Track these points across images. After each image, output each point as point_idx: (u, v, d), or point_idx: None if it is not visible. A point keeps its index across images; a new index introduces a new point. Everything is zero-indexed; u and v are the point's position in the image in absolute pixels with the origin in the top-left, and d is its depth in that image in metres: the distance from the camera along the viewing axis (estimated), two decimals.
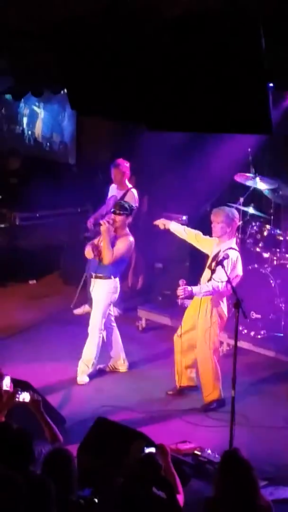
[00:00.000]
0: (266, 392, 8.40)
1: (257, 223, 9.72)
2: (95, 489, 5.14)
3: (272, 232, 9.66)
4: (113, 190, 10.26)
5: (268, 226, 9.71)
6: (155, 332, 9.95)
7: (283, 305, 9.28)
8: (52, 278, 12.00)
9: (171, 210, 9.75)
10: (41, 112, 13.65)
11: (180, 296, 7.65)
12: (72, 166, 13.32)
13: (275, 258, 9.56)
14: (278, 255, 9.55)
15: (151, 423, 7.58)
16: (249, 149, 9.87)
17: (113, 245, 8.31)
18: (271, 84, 5.92)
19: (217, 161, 10.43)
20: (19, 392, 5.73)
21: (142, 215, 10.74)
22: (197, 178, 10.66)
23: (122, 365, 8.79)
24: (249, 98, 5.43)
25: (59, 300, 10.70)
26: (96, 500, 4.86)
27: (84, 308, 10.08)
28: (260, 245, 9.62)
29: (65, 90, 7.35)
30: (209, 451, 6.80)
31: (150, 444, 5.57)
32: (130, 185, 10.21)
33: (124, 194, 10.04)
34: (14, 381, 5.94)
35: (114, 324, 8.73)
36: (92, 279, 8.57)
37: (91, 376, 8.52)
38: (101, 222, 8.45)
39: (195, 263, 9.25)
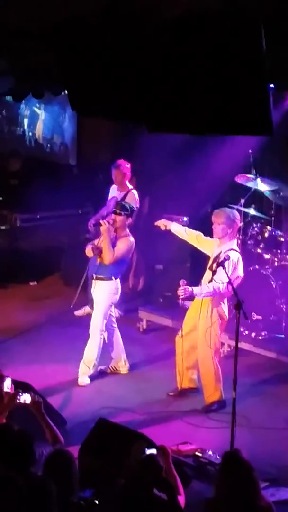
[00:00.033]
0: (267, 393, 8.39)
1: (258, 224, 9.71)
2: (96, 490, 5.14)
3: (273, 233, 9.65)
4: (114, 191, 10.25)
5: (269, 227, 9.70)
6: (156, 333, 9.95)
7: (284, 306, 9.27)
8: (53, 279, 12.00)
9: (172, 211, 9.74)
10: (41, 113, 13.66)
11: (181, 297, 7.64)
12: (72, 167, 13.32)
13: (276, 259, 9.56)
14: (279, 256, 9.55)
15: (152, 424, 7.57)
16: (250, 151, 9.86)
17: (113, 245, 8.31)
18: (271, 85, 5.91)
19: (218, 162, 10.44)
20: (20, 394, 5.73)
21: (143, 216, 10.73)
22: (198, 179, 10.66)
23: (123, 367, 8.78)
24: (249, 99, 5.42)
25: (59, 301, 10.68)
26: (97, 502, 4.86)
27: (85, 310, 10.07)
28: (261, 246, 9.61)
29: (66, 92, 7.35)
30: (210, 453, 6.80)
31: (151, 445, 5.57)
32: (130, 186, 10.21)
33: (125, 195, 10.04)
34: (15, 383, 5.94)
35: (115, 326, 8.72)
36: (93, 280, 8.57)
37: (92, 378, 8.51)
38: (101, 222, 8.44)
39: (196, 264, 9.24)
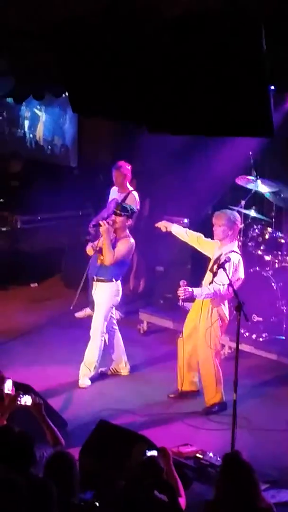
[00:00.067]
0: (268, 395, 8.38)
1: (259, 226, 9.71)
2: (96, 492, 5.13)
3: (274, 235, 9.64)
4: (114, 193, 10.24)
5: (269, 229, 9.69)
6: (156, 335, 9.94)
7: (285, 308, 9.26)
8: (54, 281, 11.99)
9: (173, 212, 9.72)
10: (42, 115, 13.66)
11: (181, 297, 7.63)
12: (73, 169, 13.33)
13: (276, 261, 9.55)
14: (279, 258, 9.55)
15: (153, 426, 7.56)
16: (250, 152, 9.85)
17: (113, 246, 8.30)
18: (272, 87, 5.90)
19: (218, 163, 10.44)
20: (21, 395, 5.72)
21: (144, 218, 10.73)
22: (198, 180, 10.66)
23: (123, 368, 8.77)
24: (250, 100, 5.40)
25: (60, 303, 10.66)
26: (98, 504, 4.85)
27: (86, 311, 10.06)
28: (261, 248, 9.60)
29: (66, 94, 7.34)
30: (211, 454, 6.79)
31: (152, 447, 5.55)
32: (131, 188, 10.20)
33: (125, 197, 10.03)
34: (15, 384, 5.93)
35: (116, 327, 8.71)
36: (94, 282, 8.55)
37: (93, 379, 8.50)
38: (100, 222, 8.42)
39: (196, 266, 9.24)
